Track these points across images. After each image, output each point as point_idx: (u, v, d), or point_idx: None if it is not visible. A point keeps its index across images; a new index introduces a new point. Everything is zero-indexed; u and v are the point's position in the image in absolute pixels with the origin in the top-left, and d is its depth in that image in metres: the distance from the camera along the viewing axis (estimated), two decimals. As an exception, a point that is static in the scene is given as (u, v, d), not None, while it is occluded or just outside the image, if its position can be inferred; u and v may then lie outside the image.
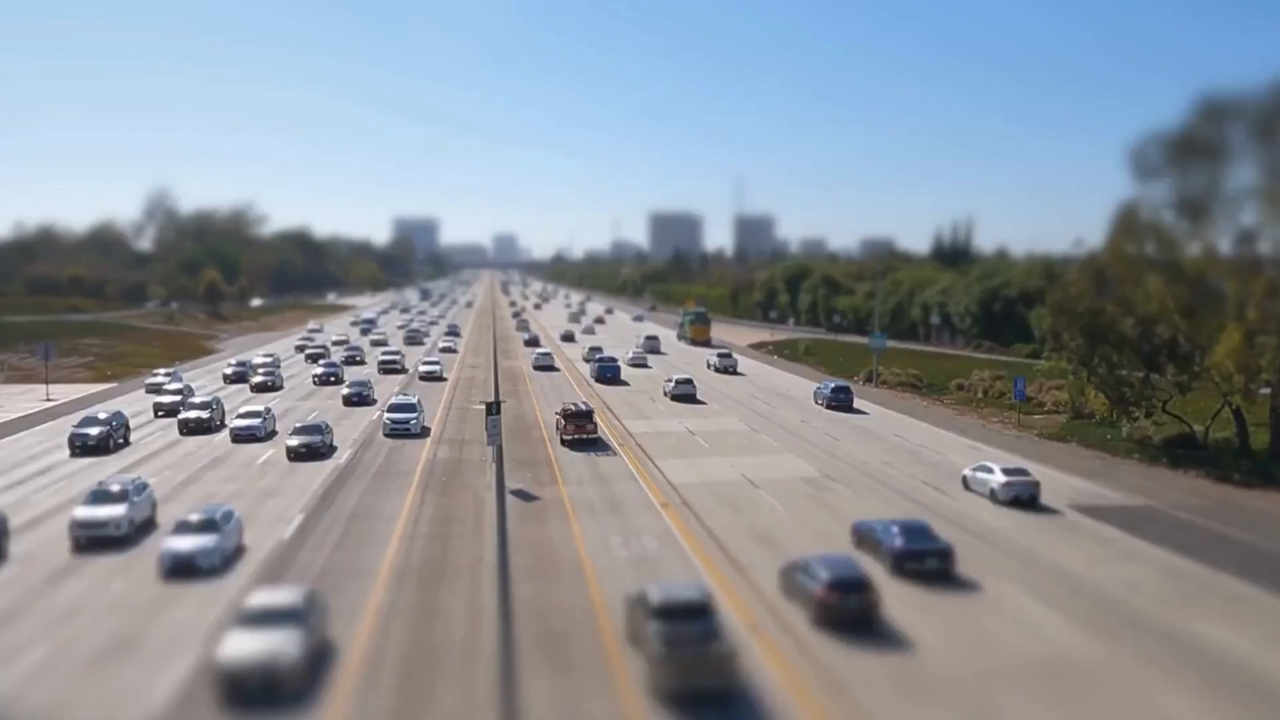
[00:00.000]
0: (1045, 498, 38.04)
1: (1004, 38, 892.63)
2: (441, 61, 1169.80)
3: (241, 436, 49.58)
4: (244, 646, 20.17)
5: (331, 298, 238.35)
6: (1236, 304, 43.26)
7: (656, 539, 32.21)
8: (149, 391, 67.63)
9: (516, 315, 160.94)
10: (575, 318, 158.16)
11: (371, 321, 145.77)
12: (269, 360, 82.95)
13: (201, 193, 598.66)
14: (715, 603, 22.08)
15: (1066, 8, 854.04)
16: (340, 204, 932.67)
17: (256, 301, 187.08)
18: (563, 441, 48.71)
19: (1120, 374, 48.42)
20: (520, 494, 38.21)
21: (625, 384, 76.08)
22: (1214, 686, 20.83)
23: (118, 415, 50.30)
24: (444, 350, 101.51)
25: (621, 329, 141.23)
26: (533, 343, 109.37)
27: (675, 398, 65.71)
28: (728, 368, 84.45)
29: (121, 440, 48.95)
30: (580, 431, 48.31)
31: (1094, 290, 48.00)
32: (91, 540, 30.47)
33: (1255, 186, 43.26)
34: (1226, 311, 43.49)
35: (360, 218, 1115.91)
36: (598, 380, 76.83)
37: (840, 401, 62.14)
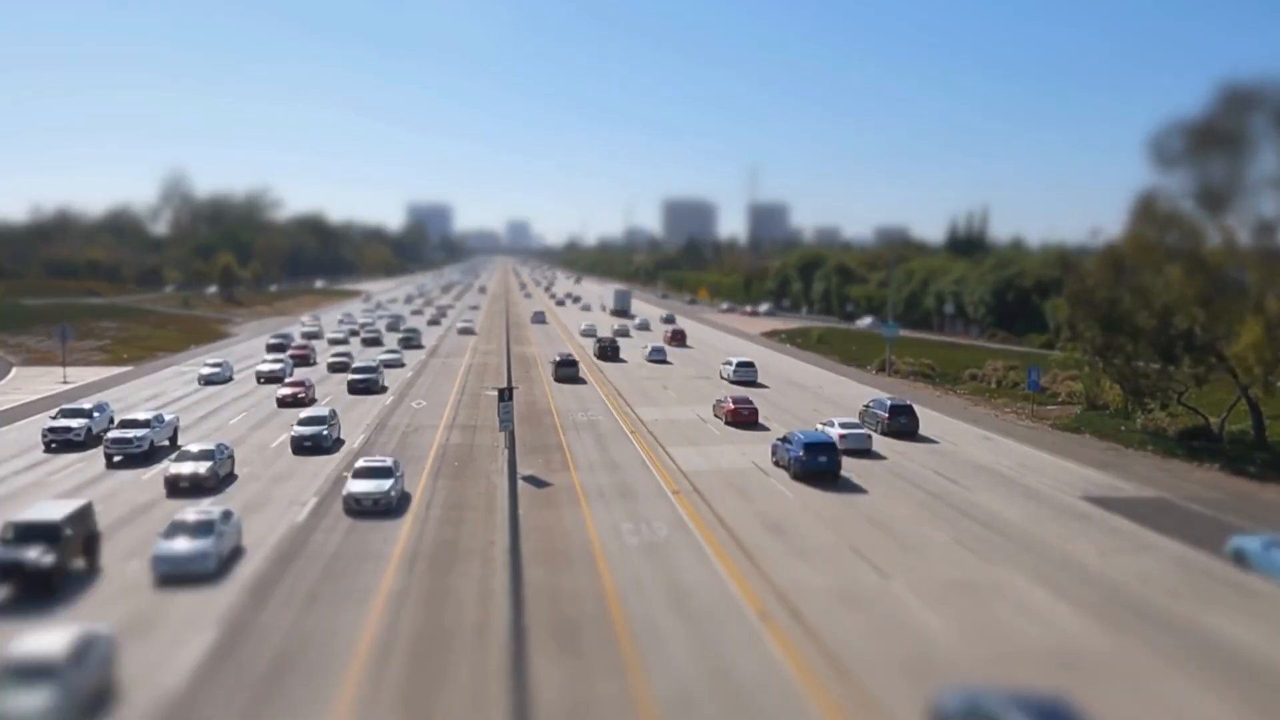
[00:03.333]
0: (1057, 490, 37.82)
1: (1020, 29, 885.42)
2: (456, 53, 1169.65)
3: None
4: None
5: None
6: (1256, 295, 42.87)
7: (667, 525, 32.34)
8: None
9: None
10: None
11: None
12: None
13: (218, 178, 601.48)
14: None
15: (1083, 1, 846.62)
16: (355, 190, 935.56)
17: (274, 287, 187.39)
18: None
19: (1136, 365, 48.06)
20: (532, 479, 38.35)
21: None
22: (1223, 678, 20.74)
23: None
24: None
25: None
26: None
27: None
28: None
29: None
30: None
31: (1111, 280, 47.61)
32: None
33: (1277, 176, 42.80)
34: (1245, 303, 43.10)
35: (374, 204, 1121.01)
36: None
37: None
